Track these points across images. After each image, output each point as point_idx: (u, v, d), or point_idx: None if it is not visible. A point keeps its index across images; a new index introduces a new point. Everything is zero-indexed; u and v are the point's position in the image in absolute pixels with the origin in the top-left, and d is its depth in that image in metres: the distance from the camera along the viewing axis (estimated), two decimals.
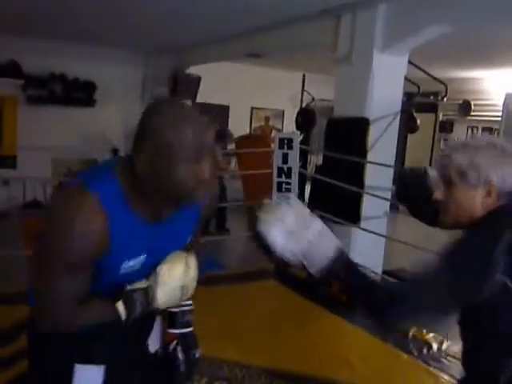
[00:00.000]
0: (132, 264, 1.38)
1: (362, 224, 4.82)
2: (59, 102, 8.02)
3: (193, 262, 1.46)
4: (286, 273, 5.48)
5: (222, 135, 7.29)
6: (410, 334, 4.12)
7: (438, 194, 1.56)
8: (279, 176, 5.29)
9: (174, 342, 1.54)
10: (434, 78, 5.67)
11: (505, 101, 4.38)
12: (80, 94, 8.16)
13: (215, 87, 8.93)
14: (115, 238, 1.30)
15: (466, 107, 8.76)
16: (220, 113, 9.78)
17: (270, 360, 3.48)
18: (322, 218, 4.99)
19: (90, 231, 1.26)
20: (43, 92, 7.91)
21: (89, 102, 8.19)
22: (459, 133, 9.87)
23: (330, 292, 4.78)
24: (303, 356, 3.59)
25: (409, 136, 9.24)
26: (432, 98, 6.90)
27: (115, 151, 5.12)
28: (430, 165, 10.16)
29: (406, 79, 5.10)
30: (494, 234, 1.41)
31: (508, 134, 4.26)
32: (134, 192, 1.32)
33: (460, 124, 9.72)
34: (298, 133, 5.99)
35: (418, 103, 5.92)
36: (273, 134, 9.70)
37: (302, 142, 5.63)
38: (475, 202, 1.50)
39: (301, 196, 5.73)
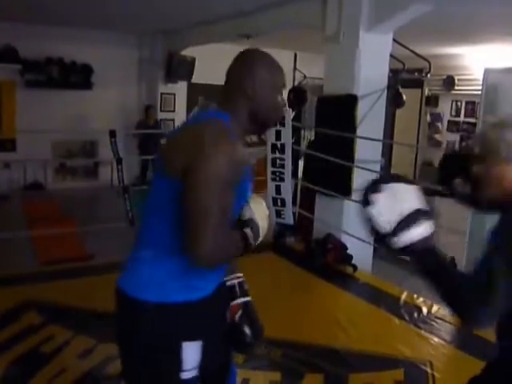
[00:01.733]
0: (250, 188, 1.63)
1: (354, 196, 4.93)
2: (57, 86, 8.09)
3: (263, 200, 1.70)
4: (283, 245, 5.67)
5: None
6: (402, 299, 4.29)
7: (480, 168, 1.53)
8: (273, 152, 5.41)
9: (239, 313, 1.67)
10: (418, 55, 5.74)
11: (484, 75, 4.59)
12: (77, 77, 8.24)
13: (209, 68, 9.03)
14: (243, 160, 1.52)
15: (450, 82, 8.96)
16: (215, 92, 9.97)
17: (268, 329, 3.57)
18: (314, 191, 5.29)
19: (238, 158, 1.46)
20: (41, 76, 7.98)
21: (86, 84, 8.26)
22: (444, 106, 10.06)
23: (324, 262, 4.97)
24: (300, 324, 3.71)
25: (397, 111, 9.44)
26: (416, 74, 7.05)
27: (113, 133, 5.27)
28: (418, 137, 10.40)
29: (392, 56, 5.22)
30: None
31: (487, 107, 4.49)
32: (234, 124, 1.56)
33: (445, 98, 9.87)
34: (290, 110, 6.17)
35: (404, 79, 6.01)
36: None
37: (294, 119, 5.76)
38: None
39: (294, 171, 5.91)
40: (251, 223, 1.56)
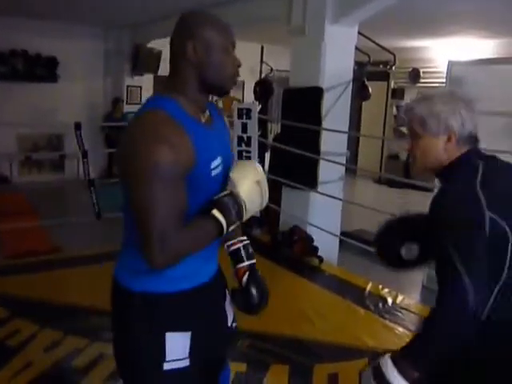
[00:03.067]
0: (217, 163, 1.46)
1: (320, 188, 4.99)
2: (22, 78, 7.97)
3: (255, 163, 1.55)
4: (250, 237, 5.76)
5: None
6: (367, 290, 4.34)
7: (407, 146, 1.68)
8: (239, 145, 5.39)
9: (246, 276, 1.64)
10: (383, 48, 5.82)
11: (448, 68, 4.67)
12: (42, 69, 8.11)
13: None
14: (196, 142, 1.39)
15: (415, 75, 9.08)
16: None
17: (236, 320, 3.65)
18: (281, 184, 5.32)
19: (173, 142, 1.33)
20: (5, 68, 7.86)
21: (51, 77, 8.15)
22: (410, 99, 10.22)
23: (291, 254, 5.00)
24: (267, 315, 3.68)
25: (363, 104, 9.55)
26: (382, 66, 7.14)
27: (78, 125, 5.23)
28: (384, 129, 10.54)
29: (357, 49, 5.26)
30: (467, 177, 1.53)
31: None
32: (186, 101, 1.45)
33: (411, 91, 9.97)
34: (257, 103, 6.16)
35: (370, 72, 6.07)
36: (233, 105, 9.89)
37: (260, 112, 5.80)
38: (438, 148, 1.59)
39: (261, 164, 5.94)
40: (226, 200, 1.43)
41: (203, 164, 1.42)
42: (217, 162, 1.47)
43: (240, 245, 1.66)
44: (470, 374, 1.55)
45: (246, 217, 1.47)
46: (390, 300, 4.19)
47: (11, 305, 3.71)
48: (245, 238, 1.67)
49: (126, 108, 8.82)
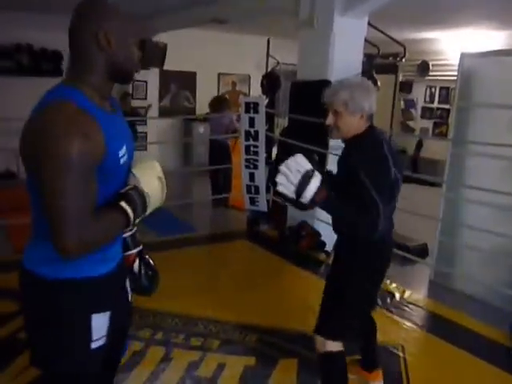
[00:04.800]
0: (123, 152, 1.53)
1: None
2: (27, 73, 7.95)
3: (154, 160, 1.68)
4: (257, 232, 5.71)
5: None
6: None
7: (329, 120, 2.31)
8: (247, 139, 5.39)
9: (136, 263, 1.78)
10: (393, 40, 5.76)
11: (460, 60, 4.60)
12: (48, 64, 8.09)
13: (182, 54, 8.97)
14: (105, 132, 1.43)
15: (424, 68, 9.03)
16: (187, 79, 9.88)
17: (244, 315, 3.64)
18: None
19: (86, 133, 1.36)
20: (10, 63, 7.85)
21: (57, 71, 8.11)
22: (418, 92, 10.13)
23: (298, 249, 5.02)
24: (274, 310, 3.77)
25: None
26: (391, 59, 7.08)
27: None
28: (391, 124, 10.46)
29: (366, 41, 5.22)
30: (376, 142, 2.25)
31: (463, 92, 4.49)
32: (91, 90, 1.48)
33: (419, 84, 9.95)
34: (264, 97, 6.12)
35: (379, 65, 6.04)
36: (240, 99, 9.85)
37: (267, 106, 5.74)
38: (354, 123, 2.28)
39: (268, 158, 5.91)
40: (132, 193, 1.52)
41: (112, 153, 1.47)
42: (123, 150, 1.53)
43: (127, 235, 1.76)
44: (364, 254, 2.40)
45: (148, 211, 1.59)
46: (397, 295, 4.20)
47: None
48: (132, 227, 1.75)
49: (132, 103, 8.77)
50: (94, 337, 1.58)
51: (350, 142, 2.33)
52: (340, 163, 2.46)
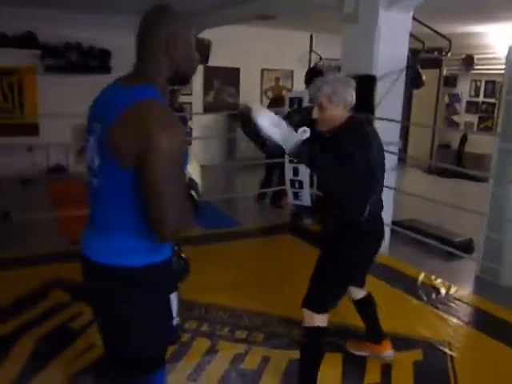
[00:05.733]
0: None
1: None
2: (76, 70, 8.16)
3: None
4: (300, 226, 5.74)
5: None
6: (419, 280, 4.33)
7: (315, 114, 2.52)
8: None
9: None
10: (439, 34, 5.68)
11: (508, 54, 4.51)
12: (96, 61, 8.28)
13: (225, 51, 9.03)
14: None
15: (469, 62, 8.86)
16: (231, 75, 9.96)
17: (288, 309, 3.61)
18: None
19: (183, 136, 1.56)
20: (60, 61, 8.05)
21: (104, 69, 8.28)
22: (463, 87, 9.95)
23: None
24: None
25: (414, 92, 9.35)
26: (436, 53, 6.97)
27: None
28: (435, 118, 10.31)
29: (411, 36, 5.15)
30: (358, 129, 2.46)
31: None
32: (160, 90, 1.61)
33: (463, 78, 9.77)
34: (307, 92, 6.15)
35: (423, 59, 5.99)
36: (284, 94, 9.87)
37: (311, 101, 5.76)
38: (338, 114, 2.49)
39: None
40: (193, 183, 1.71)
41: (187, 151, 1.63)
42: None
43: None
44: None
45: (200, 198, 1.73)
46: (443, 291, 4.16)
47: (74, 289, 3.82)
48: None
49: None
50: (174, 314, 1.73)
51: (334, 132, 2.50)
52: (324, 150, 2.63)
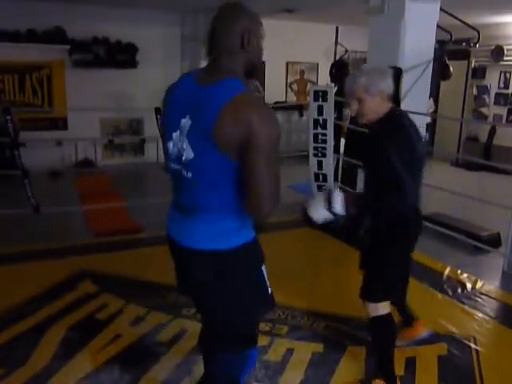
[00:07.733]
0: None
1: None
2: (103, 65, 8.24)
3: None
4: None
5: None
6: (445, 275, 4.30)
7: (354, 107, 2.50)
8: (315, 128, 5.38)
9: None
10: (467, 25, 5.62)
11: None
12: (123, 56, 8.34)
13: None
14: None
15: (498, 52, 8.68)
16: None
17: (311, 302, 3.67)
18: (356, 166, 5.34)
19: (276, 118, 1.71)
20: (88, 56, 8.13)
21: (131, 63, 8.37)
22: (492, 78, 9.76)
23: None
24: (343, 297, 3.71)
25: (441, 83, 9.23)
26: (464, 44, 6.87)
27: (158, 110, 5.37)
28: (463, 111, 10.15)
29: (438, 27, 5.11)
30: (399, 122, 2.47)
31: None
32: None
33: (492, 69, 9.57)
34: (333, 85, 6.10)
35: (451, 50, 5.92)
36: (308, 87, 9.84)
37: (336, 94, 5.74)
38: (376, 105, 2.47)
39: (336, 147, 5.89)
40: None
41: None
42: None
43: None
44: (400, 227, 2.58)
45: None
46: (469, 285, 4.13)
47: (99, 280, 3.93)
48: None
49: None
50: (268, 284, 1.94)
51: (374, 125, 2.52)
52: (366, 146, 2.67)
